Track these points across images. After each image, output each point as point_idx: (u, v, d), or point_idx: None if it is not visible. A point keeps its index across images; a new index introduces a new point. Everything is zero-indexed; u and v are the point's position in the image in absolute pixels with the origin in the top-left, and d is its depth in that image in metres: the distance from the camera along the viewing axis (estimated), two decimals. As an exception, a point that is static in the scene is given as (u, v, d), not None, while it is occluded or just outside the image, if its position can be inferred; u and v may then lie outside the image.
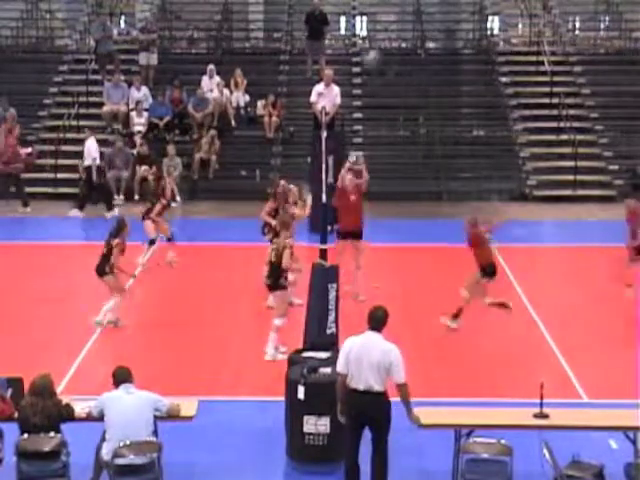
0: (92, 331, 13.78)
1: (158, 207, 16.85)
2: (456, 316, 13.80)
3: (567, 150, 23.89)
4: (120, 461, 8.65)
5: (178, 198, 22.58)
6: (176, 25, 29.71)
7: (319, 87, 20.16)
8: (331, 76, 20.34)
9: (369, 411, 8.94)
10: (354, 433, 9.05)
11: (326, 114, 17.64)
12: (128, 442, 8.65)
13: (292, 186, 15.80)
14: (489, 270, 13.69)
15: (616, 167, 23.89)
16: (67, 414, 8.96)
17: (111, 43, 26.12)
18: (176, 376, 12.06)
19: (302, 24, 26.16)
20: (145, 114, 24.09)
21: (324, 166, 13.51)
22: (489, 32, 29.44)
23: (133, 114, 24.11)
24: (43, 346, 13.10)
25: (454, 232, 19.61)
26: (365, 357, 8.84)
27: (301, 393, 9.65)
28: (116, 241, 13.84)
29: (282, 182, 15.63)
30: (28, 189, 23.09)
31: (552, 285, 16.07)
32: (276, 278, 12.73)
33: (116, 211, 21.00)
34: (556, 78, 25.55)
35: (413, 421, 9.09)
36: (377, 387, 8.85)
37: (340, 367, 8.98)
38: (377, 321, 9.03)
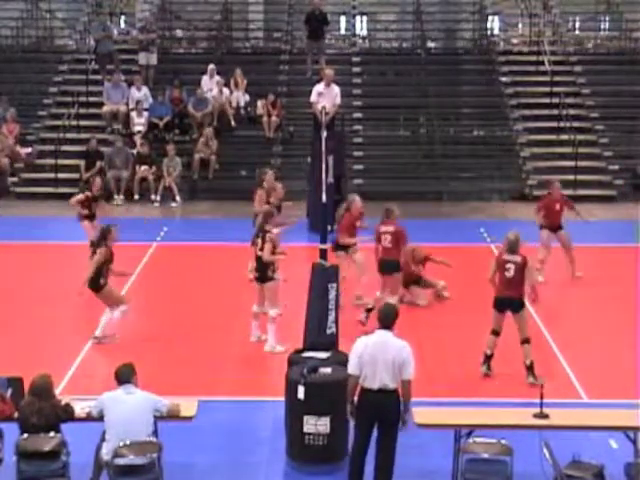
0: (92, 330, 13.77)
1: (80, 196, 16.39)
2: None
3: (567, 150, 23.89)
4: (120, 461, 8.65)
5: (178, 198, 22.61)
6: (176, 25, 29.73)
7: (319, 87, 20.15)
8: (331, 76, 20.32)
9: (383, 409, 8.94)
10: (365, 433, 9.05)
11: (326, 114, 17.64)
12: (128, 442, 8.65)
13: (280, 185, 16.08)
14: None
15: (616, 167, 23.89)
16: (66, 414, 8.96)
17: (111, 43, 26.13)
18: (176, 376, 12.06)
19: (302, 24, 26.17)
20: (145, 114, 24.09)
21: (324, 166, 13.52)
22: (489, 32, 29.45)
23: (133, 114, 24.12)
24: (43, 346, 13.10)
25: (454, 232, 19.72)
26: (380, 356, 8.84)
27: (301, 393, 9.65)
28: (101, 250, 13.23)
29: (270, 172, 15.95)
30: (28, 189, 23.14)
31: (552, 285, 16.06)
32: (263, 271, 13.06)
33: None
34: (556, 78, 25.55)
35: (405, 420, 9.08)
36: (391, 385, 8.87)
37: (352, 369, 8.97)
38: (388, 319, 9.05)
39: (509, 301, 11.94)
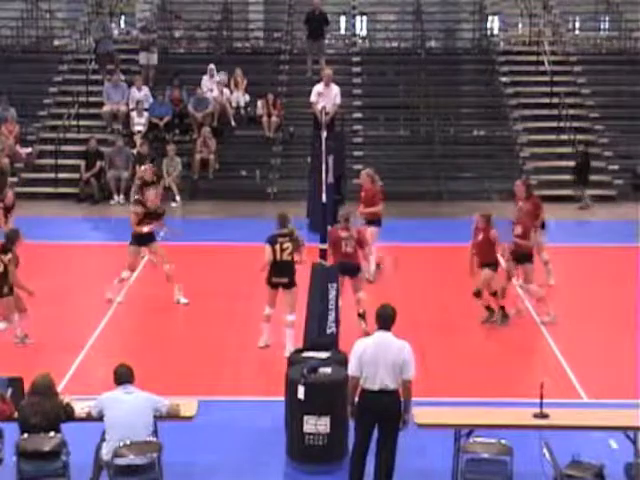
0: (92, 331, 13.78)
1: None
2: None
3: (567, 150, 23.89)
4: (120, 461, 8.65)
5: (178, 198, 22.60)
6: (176, 25, 29.72)
7: (318, 87, 20.19)
8: (330, 76, 20.35)
9: (384, 410, 8.94)
10: (365, 434, 9.06)
11: (326, 114, 17.65)
12: (128, 442, 8.65)
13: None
14: None
15: (616, 167, 23.90)
16: (66, 414, 8.96)
17: (111, 43, 26.13)
18: (176, 376, 12.06)
19: (302, 24, 26.18)
20: (145, 114, 24.08)
21: (324, 166, 13.50)
22: (489, 32, 29.45)
23: (133, 114, 24.11)
24: (43, 346, 13.10)
25: (454, 232, 19.70)
26: (381, 357, 8.85)
27: (301, 393, 9.65)
28: (9, 256, 12.65)
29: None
30: (28, 189, 23.13)
31: (552, 285, 16.05)
32: (292, 276, 12.78)
33: None
34: (556, 78, 25.55)
35: (406, 420, 9.09)
36: (392, 386, 8.88)
37: (353, 370, 8.97)
38: (387, 320, 9.04)
39: None
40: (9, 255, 12.68)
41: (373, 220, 16.17)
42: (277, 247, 12.70)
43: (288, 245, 12.72)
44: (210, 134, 23.30)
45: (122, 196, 22.63)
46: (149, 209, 15.05)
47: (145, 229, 14.89)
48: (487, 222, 14.13)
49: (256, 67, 26.42)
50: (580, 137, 23.88)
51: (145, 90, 24.47)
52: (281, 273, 12.77)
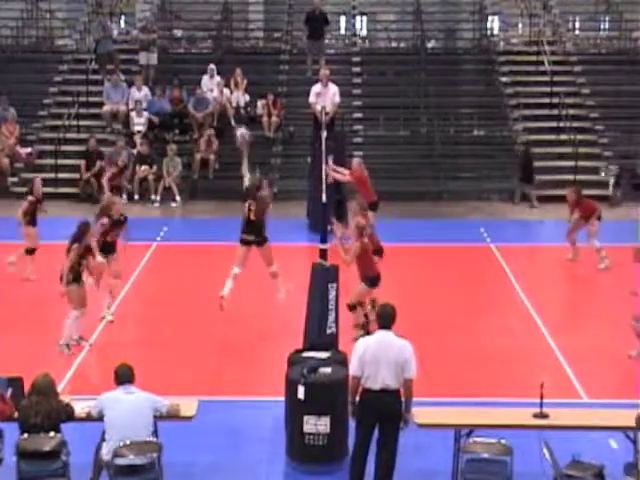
0: (92, 331, 13.79)
1: (25, 205, 16.59)
2: None
3: (567, 150, 23.90)
4: (120, 461, 8.66)
5: (178, 198, 22.61)
6: (176, 25, 29.73)
7: (316, 87, 20.23)
8: (327, 75, 20.39)
9: (385, 409, 8.96)
10: (366, 433, 9.07)
11: (326, 114, 17.66)
12: (128, 442, 8.65)
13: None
14: None
15: (616, 167, 23.89)
16: (66, 414, 8.97)
17: (111, 43, 26.14)
18: (176, 376, 12.07)
19: (302, 24, 26.19)
20: (145, 114, 24.08)
21: (324, 166, 13.52)
22: (489, 32, 29.47)
23: (133, 114, 24.12)
24: (43, 346, 13.10)
25: (454, 232, 19.72)
26: (383, 356, 8.86)
27: (301, 393, 9.66)
28: (75, 245, 13.30)
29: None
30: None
31: (552, 285, 16.07)
32: (261, 232, 14.34)
33: None
34: (556, 78, 25.56)
35: (407, 420, 9.10)
36: (393, 385, 8.89)
37: (354, 370, 8.99)
38: (388, 318, 9.07)
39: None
40: (75, 245, 13.29)
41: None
42: (246, 205, 14.29)
43: (254, 207, 14.22)
44: (214, 135, 23.32)
45: (125, 196, 22.62)
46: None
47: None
48: (360, 233, 13.41)
49: (256, 67, 26.43)
50: (580, 137, 23.89)
51: (145, 90, 24.48)
52: (250, 231, 14.32)
